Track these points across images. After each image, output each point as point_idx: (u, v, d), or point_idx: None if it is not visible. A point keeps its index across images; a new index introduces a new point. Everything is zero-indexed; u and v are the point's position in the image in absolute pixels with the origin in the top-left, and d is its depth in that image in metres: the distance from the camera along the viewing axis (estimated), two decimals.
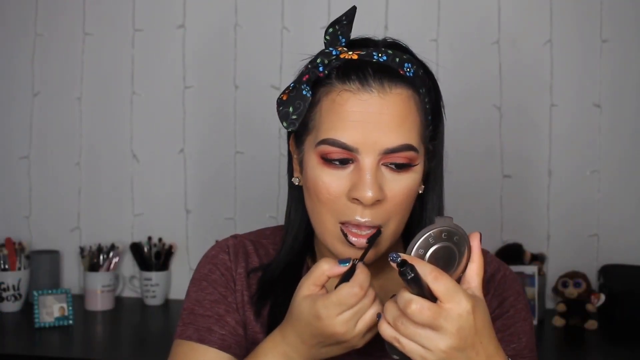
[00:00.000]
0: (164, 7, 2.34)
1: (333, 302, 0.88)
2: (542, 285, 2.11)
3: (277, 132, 2.28)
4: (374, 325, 0.89)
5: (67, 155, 2.38)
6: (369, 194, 0.92)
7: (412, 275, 0.80)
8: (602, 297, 2.05)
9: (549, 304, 2.17)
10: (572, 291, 2.07)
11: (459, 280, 0.86)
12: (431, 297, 0.82)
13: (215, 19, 2.32)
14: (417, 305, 0.81)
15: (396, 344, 0.83)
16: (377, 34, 1.03)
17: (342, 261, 0.91)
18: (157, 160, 2.36)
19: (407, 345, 0.83)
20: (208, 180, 2.34)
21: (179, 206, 2.35)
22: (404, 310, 0.82)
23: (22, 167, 2.40)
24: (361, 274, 0.88)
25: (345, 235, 0.95)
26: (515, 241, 2.18)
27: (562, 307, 2.06)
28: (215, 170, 2.34)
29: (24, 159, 2.40)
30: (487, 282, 1.04)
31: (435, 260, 0.84)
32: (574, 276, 2.09)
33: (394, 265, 0.82)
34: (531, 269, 2.07)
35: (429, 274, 0.81)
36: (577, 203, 2.21)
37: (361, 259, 0.91)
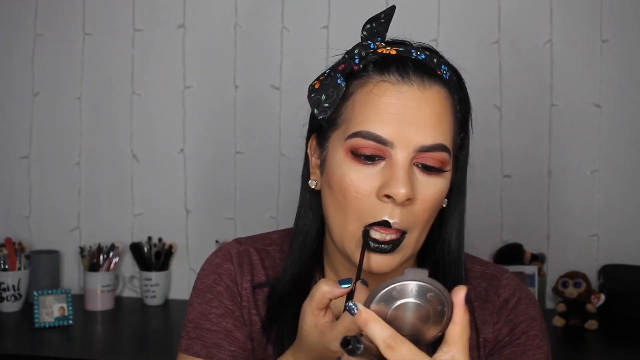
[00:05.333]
0: (164, 7, 2.34)
1: (341, 332, 0.82)
2: (542, 285, 2.12)
3: (277, 132, 2.28)
4: None
5: (67, 155, 2.38)
6: (402, 190, 0.87)
7: (361, 348, 0.71)
8: (602, 297, 2.05)
9: (549, 304, 2.17)
10: (572, 291, 2.07)
11: (440, 339, 0.75)
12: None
13: (215, 19, 2.32)
14: None
15: None
16: None
17: (342, 282, 0.85)
18: (157, 160, 2.36)
19: None
20: (208, 180, 2.34)
21: (179, 206, 2.35)
22: None
23: (22, 167, 2.40)
24: (361, 297, 0.82)
25: (366, 242, 0.89)
26: (515, 241, 2.18)
27: (562, 307, 2.06)
28: (215, 170, 2.33)
29: (24, 159, 2.40)
30: (499, 308, 1.01)
31: (403, 315, 0.74)
32: (574, 276, 2.09)
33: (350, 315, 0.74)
34: (531, 269, 2.07)
35: (381, 341, 0.71)
36: (577, 203, 2.21)
37: (357, 277, 0.86)
